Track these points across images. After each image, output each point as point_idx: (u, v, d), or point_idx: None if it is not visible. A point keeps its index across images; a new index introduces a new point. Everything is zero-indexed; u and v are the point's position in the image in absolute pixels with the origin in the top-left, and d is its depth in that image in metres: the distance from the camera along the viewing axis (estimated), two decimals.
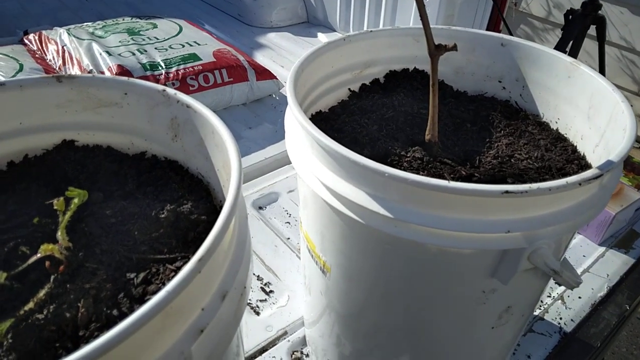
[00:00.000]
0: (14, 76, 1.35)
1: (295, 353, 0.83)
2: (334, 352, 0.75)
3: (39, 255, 0.43)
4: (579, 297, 0.99)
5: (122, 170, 0.55)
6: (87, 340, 0.41)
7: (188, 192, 0.52)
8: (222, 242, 0.35)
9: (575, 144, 0.67)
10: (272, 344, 0.84)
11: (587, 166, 0.63)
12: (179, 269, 0.47)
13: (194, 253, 0.50)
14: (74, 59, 1.47)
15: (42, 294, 0.42)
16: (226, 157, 0.44)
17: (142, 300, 0.44)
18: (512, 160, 0.65)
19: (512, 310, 0.59)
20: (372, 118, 0.69)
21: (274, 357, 0.82)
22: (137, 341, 0.28)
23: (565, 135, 0.69)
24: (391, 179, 0.45)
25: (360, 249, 0.56)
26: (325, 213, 0.57)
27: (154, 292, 0.44)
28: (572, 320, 0.94)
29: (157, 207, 0.50)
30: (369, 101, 0.74)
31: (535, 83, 0.73)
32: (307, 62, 0.63)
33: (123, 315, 0.43)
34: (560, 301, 0.98)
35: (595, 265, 1.06)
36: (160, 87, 0.51)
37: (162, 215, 0.49)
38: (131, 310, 0.43)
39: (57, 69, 1.51)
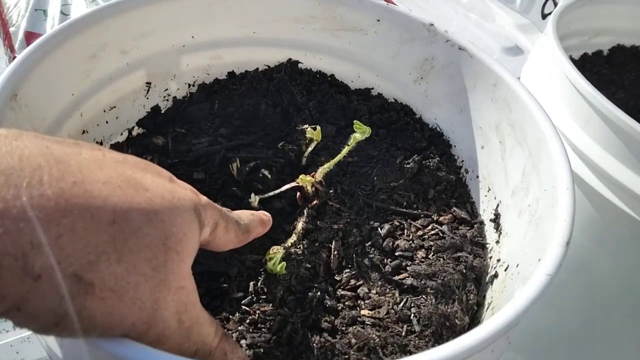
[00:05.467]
0: None
1: None
2: None
3: (293, 184, 0.40)
4: None
5: (352, 105, 0.50)
6: (344, 287, 0.37)
7: (430, 143, 0.47)
8: None
9: None
10: None
11: None
12: (424, 227, 0.43)
13: (435, 213, 0.46)
14: None
15: (299, 227, 0.39)
16: (519, 119, 0.38)
17: (393, 255, 0.40)
18: None
19: None
20: None
21: None
22: None
23: None
24: None
25: None
26: None
27: (405, 250, 0.40)
28: None
29: (399, 154, 0.46)
30: None
31: None
32: None
33: (374, 267, 0.39)
34: None
35: None
36: (427, 20, 0.45)
37: (408, 165, 0.44)
38: (382, 264, 0.39)
39: None
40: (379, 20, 0.47)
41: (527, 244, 0.34)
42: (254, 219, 0.33)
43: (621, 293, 0.52)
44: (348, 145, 0.39)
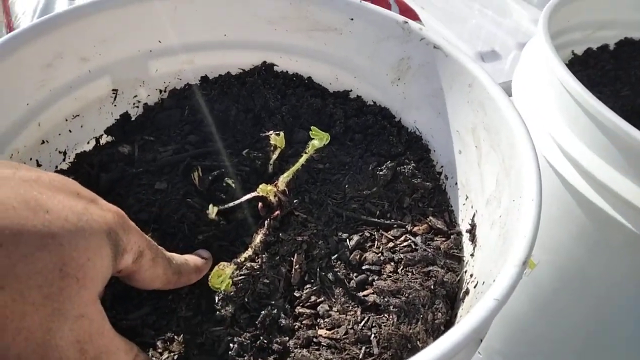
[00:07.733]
0: None
1: None
2: None
3: (254, 194, 0.38)
4: None
5: (327, 109, 0.48)
6: (303, 303, 0.35)
7: (406, 148, 0.45)
8: None
9: None
10: None
11: None
12: (396, 238, 0.40)
13: (410, 223, 0.43)
14: None
15: (257, 240, 0.37)
16: (494, 122, 0.35)
17: (359, 269, 0.38)
18: None
19: None
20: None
21: None
22: None
23: None
24: None
25: None
26: None
27: (373, 263, 0.38)
28: None
29: (372, 161, 0.43)
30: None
31: None
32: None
33: (339, 282, 0.37)
34: None
35: None
36: (401, 18, 0.42)
37: (381, 172, 0.42)
38: (347, 278, 0.37)
39: None
40: (352, 19, 0.45)
41: (495, 259, 0.31)
42: (188, 263, 0.32)
43: (616, 300, 0.48)
44: (306, 152, 0.36)
